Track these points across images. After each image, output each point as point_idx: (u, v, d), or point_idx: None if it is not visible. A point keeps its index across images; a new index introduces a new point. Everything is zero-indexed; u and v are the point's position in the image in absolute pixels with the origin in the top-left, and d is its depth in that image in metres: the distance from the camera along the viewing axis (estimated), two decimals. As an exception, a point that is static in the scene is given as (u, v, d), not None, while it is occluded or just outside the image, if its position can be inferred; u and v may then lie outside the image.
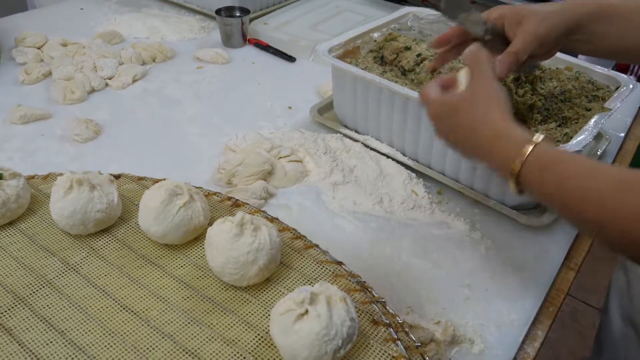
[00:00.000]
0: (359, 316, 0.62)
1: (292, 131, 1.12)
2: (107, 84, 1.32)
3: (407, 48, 1.06)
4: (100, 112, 1.21)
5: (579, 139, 0.85)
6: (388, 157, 1.06)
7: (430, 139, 0.98)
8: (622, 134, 1.22)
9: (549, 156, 0.60)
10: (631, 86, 0.99)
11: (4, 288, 0.68)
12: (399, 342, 0.61)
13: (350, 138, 1.11)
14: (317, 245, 0.75)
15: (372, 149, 1.08)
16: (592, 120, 0.90)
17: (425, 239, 0.91)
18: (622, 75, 1.01)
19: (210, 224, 0.71)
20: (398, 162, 1.05)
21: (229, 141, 1.11)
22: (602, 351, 1.04)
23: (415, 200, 0.98)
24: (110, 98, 1.28)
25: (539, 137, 0.62)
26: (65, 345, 0.62)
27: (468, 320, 0.78)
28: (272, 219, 0.79)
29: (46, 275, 0.70)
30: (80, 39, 1.47)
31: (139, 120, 1.20)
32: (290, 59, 1.45)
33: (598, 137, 1.13)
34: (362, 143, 1.09)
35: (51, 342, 0.62)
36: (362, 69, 1.05)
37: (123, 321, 0.65)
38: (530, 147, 0.61)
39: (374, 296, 0.68)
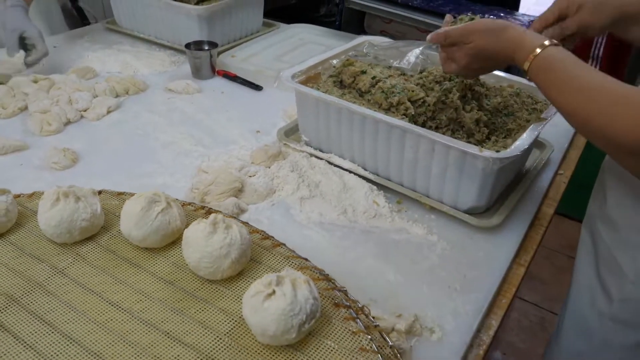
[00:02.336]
0: (322, 300, 0.70)
1: (260, 152, 1.19)
2: (82, 116, 1.37)
3: (363, 72, 1.15)
4: (76, 142, 1.26)
5: (517, 144, 0.95)
6: (350, 172, 1.14)
7: (387, 154, 1.07)
8: (566, 144, 1.32)
9: (550, 61, 0.78)
10: (564, 99, 1.10)
11: (-3, 291, 0.73)
12: (358, 320, 0.68)
13: (315, 156, 1.19)
14: (284, 244, 0.82)
15: (335, 165, 1.16)
16: (529, 129, 1.00)
17: (387, 243, 0.99)
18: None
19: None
20: (360, 176, 1.13)
21: (201, 164, 1.18)
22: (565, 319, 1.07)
23: (376, 210, 1.06)
24: (86, 129, 1.33)
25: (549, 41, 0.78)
26: (59, 338, 0.67)
27: (427, 313, 0.84)
28: (244, 223, 0.86)
29: (36, 279, 0.75)
30: (54, 76, 1.51)
31: (115, 148, 1.26)
32: (257, 87, 1.53)
33: (542, 146, 1.23)
34: (326, 160, 1.17)
35: (45, 334, 0.67)
36: (323, 92, 1.13)
37: (110, 315, 0.71)
38: (539, 50, 0.78)
39: (336, 285, 0.75)
